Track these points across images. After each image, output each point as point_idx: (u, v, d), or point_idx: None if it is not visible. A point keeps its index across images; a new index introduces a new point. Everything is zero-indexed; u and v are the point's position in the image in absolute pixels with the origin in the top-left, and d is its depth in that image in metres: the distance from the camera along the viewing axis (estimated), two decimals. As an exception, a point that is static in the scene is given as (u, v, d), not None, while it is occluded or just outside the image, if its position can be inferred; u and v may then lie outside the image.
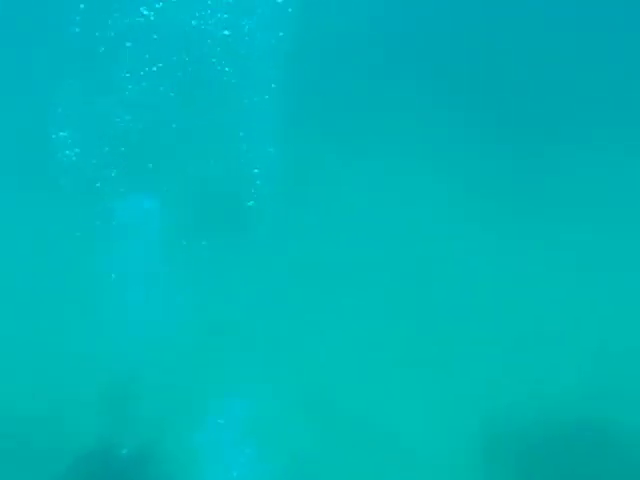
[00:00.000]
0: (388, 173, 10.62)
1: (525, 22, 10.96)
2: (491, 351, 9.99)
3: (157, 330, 9.22)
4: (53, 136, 9.66)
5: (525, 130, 10.90)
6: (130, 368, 9.14)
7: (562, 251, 10.45)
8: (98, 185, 9.71)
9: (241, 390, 8.88)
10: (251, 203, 10.00)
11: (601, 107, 10.86)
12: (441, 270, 10.35)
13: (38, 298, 9.77)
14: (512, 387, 9.74)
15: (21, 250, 10.02)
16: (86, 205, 9.57)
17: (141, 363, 9.16)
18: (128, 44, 9.63)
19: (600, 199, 10.68)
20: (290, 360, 9.61)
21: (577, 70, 10.90)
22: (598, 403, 9.62)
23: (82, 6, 9.57)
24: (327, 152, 10.59)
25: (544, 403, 9.67)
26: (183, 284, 9.40)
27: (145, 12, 9.61)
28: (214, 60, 9.87)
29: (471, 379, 9.79)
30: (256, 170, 9.95)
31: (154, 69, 9.74)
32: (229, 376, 9.04)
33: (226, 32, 9.84)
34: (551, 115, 10.87)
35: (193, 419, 8.72)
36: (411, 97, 10.76)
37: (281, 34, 9.74)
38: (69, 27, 9.61)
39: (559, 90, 10.88)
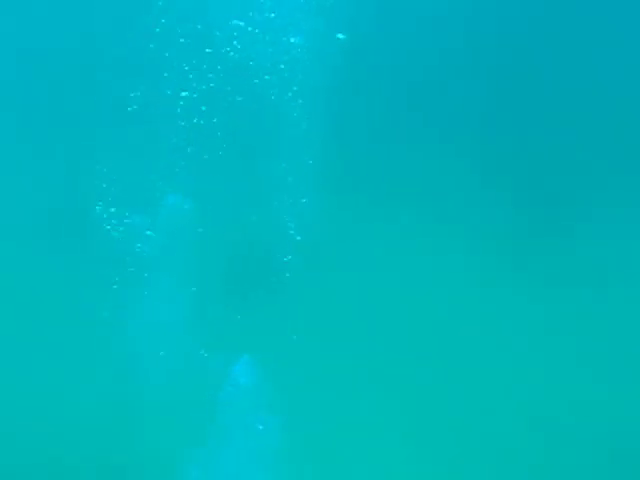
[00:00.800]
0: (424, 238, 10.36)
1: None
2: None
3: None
4: (97, 208, 9.76)
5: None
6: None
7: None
8: (138, 249, 9.70)
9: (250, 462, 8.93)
10: (287, 260, 9.84)
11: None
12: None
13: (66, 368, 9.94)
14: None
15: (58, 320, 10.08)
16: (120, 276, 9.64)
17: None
18: (178, 110, 9.72)
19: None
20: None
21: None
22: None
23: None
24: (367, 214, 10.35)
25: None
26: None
27: (194, 84, 9.75)
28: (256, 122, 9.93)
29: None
30: (292, 231, 9.82)
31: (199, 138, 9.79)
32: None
33: (273, 97, 9.89)
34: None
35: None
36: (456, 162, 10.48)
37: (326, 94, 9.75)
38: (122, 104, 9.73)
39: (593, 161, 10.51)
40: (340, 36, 10.05)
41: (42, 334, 10.00)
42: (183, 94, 9.82)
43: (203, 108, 9.83)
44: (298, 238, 9.78)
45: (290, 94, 9.93)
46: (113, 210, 9.72)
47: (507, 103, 10.49)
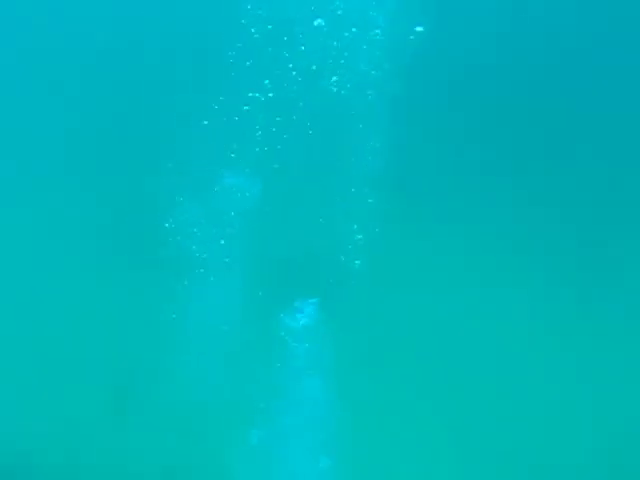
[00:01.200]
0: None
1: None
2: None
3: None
4: (166, 225, 9.77)
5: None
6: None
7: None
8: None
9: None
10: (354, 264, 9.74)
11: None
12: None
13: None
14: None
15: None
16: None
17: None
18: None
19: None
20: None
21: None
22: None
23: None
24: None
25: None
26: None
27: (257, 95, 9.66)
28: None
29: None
30: (360, 236, 9.69)
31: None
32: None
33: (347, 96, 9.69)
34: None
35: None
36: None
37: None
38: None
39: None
40: (419, 29, 9.75)
41: (118, 339, 10.27)
42: (257, 95, 9.67)
43: (278, 109, 9.68)
44: (360, 238, 9.71)
45: (366, 93, 9.74)
46: (182, 219, 9.75)
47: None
